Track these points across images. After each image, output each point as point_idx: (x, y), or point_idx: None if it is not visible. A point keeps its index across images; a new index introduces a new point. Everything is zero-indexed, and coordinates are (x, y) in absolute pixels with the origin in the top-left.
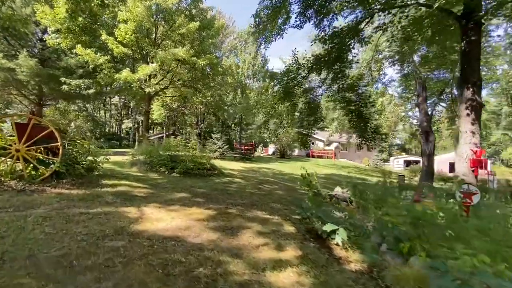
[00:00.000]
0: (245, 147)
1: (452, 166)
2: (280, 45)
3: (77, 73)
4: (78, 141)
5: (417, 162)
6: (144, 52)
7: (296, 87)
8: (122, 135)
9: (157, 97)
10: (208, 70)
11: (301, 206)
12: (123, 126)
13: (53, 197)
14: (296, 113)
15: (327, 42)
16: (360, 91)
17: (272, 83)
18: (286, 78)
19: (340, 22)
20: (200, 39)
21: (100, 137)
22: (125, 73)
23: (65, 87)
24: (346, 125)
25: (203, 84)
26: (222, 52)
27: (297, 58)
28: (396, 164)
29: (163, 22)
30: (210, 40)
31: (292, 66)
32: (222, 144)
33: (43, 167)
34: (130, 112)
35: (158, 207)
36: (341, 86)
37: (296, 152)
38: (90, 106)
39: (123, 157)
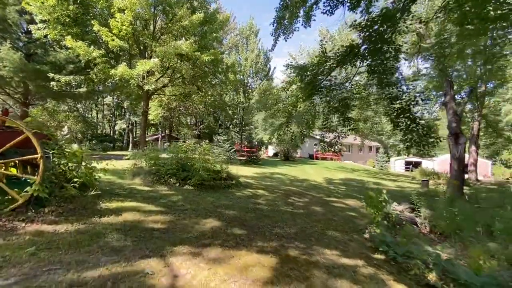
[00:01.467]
0: (248, 149)
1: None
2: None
3: (67, 69)
4: (68, 150)
5: (417, 163)
6: (142, 46)
7: (323, 81)
8: (115, 136)
9: (155, 95)
10: (210, 67)
11: (382, 240)
12: (117, 127)
13: (25, 245)
14: (322, 112)
15: (367, 28)
16: (405, 86)
17: (297, 77)
18: (310, 71)
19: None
20: (203, 33)
21: (92, 139)
22: (122, 68)
23: (53, 84)
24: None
25: (204, 82)
26: (223, 49)
27: (325, 48)
28: (398, 165)
29: (162, 16)
30: (214, 35)
31: (320, 57)
32: (228, 147)
33: (14, 191)
34: (123, 113)
35: (191, 255)
36: (383, 80)
37: (299, 153)
38: (81, 106)
39: (120, 163)
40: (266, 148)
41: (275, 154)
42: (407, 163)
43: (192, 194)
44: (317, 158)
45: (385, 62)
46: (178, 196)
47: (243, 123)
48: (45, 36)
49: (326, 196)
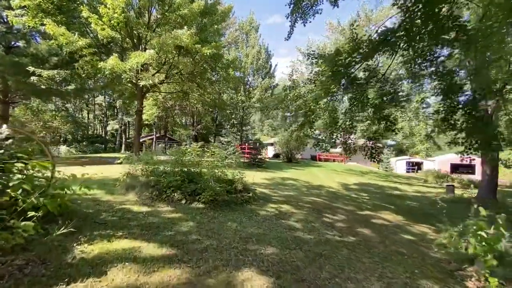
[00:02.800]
0: (250, 151)
1: (454, 167)
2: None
3: (50, 62)
4: (23, 163)
5: (419, 164)
6: (136, 39)
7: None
8: (107, 137)
9: (151, 93)
10: (211, 62)
11: None
12: (109, 128)
13: None
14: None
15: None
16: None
17: (327, 67)
18: (342, 60)
19: None
20: (202, 26)
21: (82, 140)
22: (112, 60)
23: (34, 78)
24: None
25: (203, 79)
26: (223, 44)
27: (356, 34)
28: (400, 166)
29: (157, 7)
30: (215, 26)
31: (351, 43)
32: (233, 149)
33: None
34: (116, 113)
35: None
36: (437, 71)
37: (300, 155)
38: (71, 106)
39: (112, 169)
40: (265, 149)
41: (276, 156)
42: (409, 164)
43: (206, 217)
44: (320, 160)
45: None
46: (188, 222)
47: (242, 123)
48: (24, 24)
49: (358, 209)
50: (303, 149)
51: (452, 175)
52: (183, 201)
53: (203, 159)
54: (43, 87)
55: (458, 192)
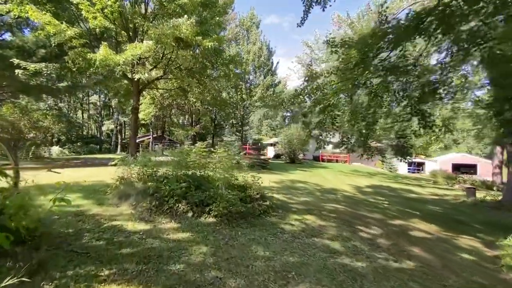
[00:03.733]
0: (251, 151)
1: (455, 167)
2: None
3: (38, 54)
4: None
5: (420, 164)
6: (132, 31)
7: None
8: (102, 138)
9: (148, 89)
10: (211, 57)
11: None
12: (104, 128)
13: None
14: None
15: None
16: None
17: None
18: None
19: None
20: (203, 19)
21: (77, 141)
22: (104, 51)
23: (19, 72)
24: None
25: (203, 75)
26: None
27: (386, 16)
28: (401, 166)
29: None
30: (217, 18)
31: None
32: (238, 150)
33: None
34: (111, 112)
35: None
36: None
37: (301, 155)
38: (64, 106)
39: (105, 172)
40: (265, 149)
41: (276, 156)
42: (411, 164)
43: (222, 237)
44: (323, 160)
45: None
46: (200, 245)
47: (242, 123)
48: (7, 13)
49: (386, 217)
50: (306, 150)
51: (463, 176)
52: (190, 214)
53: (210, 161)
54: (32, 83)
55: (478, 194)
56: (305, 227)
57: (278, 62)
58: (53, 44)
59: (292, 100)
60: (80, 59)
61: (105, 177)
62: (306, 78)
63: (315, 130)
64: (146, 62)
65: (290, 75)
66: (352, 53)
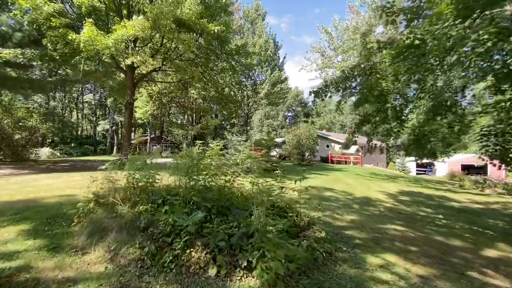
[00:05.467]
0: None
1: (465, 168)
2: None
3: (14, 39)
4: None
5: (429, 165)
6: (124, 8)
7: None
8: (98, 138)
9: (144, 82)
10: (216, 46)
11: None
12: (99, 128)
13: None
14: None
15: None
16: None
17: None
18: None
19: None
20: (207, 3)
21: (70, 142)
22: (88, 30)
23: None
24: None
25: (207, 66)
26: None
27: None
28: (410, 168)
29: None
30: (223, 1)
31: None
32: (247, 151)
33: None
34: (107, 112)
35: None
36: None
37: (311, 157)
38: (57, 104)
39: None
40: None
41: (281, 157)
42: (419, 165)
43: None
44: (332, 162)
45: None
46: None
47: (247, 122)
48: None
49: (469, 243)
50: (316, 150)
51: (493, 179)
52: (212, 270)
53: (228, 169)
54: (14, 74)
55: None
56: (406, 286)
57: (285, 57)
58: (25, 23)
59: (339, 84)
60: (63, 42)
61: (86, 187)
62: (358, 55)
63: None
64: (142, 53)
65: (306, 65)
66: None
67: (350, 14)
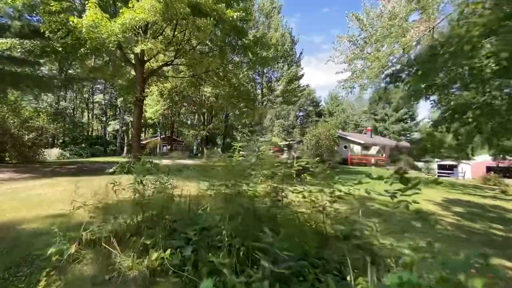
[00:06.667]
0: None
1: (489, 171)
2: None
3: (12, 28)
4: None
5: (453, 167)
6: None
7: None
8: (108, 139)
9: (155, 78)
10: (232, 37)
11: None
12: (109, 129)
13: None
14: None
15: None
16: None
17: None
18: None
19: None
20: None
21: (81, 142)
22: (91, 11)
23: None
24: None
25: (224, 59)
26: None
27: None
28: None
29: None
30: None
31: None
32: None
33: None
34: (117, 112)
35: None
36: None
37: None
38: (69, 105)
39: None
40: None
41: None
42: (441, 167)
43: None
44: (352, 164)
45: None
46: None
47: (261, 121)
48: None
49: None
50: (336, 151)
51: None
52: None
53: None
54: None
55: None
56: None
57: (301, 53)
58: (19, 5)
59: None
60: (61, 27)
61: (85, 200)
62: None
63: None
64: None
65: (334, 56)
66: None
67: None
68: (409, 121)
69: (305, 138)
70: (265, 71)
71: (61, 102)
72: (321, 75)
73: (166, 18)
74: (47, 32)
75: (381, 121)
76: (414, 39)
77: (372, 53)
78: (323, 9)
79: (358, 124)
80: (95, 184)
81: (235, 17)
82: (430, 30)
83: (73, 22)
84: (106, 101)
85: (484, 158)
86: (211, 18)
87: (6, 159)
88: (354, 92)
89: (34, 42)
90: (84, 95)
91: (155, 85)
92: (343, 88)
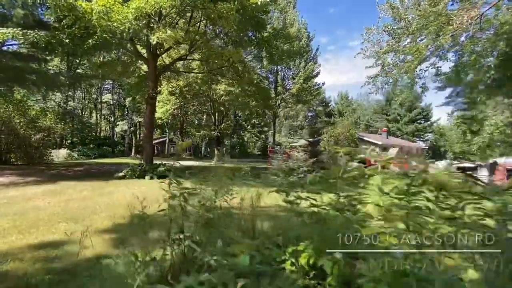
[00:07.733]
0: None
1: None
2: None
3: (14, 17)
4: None
5: (472, 169)
6: None
7: None
8: (116, 139)
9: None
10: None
11: None
12: (117, 129)
13: None
14: None
15: None
16: None
17: None
18: None
19: None
20: None
21: (89, 143)
22: None
23: None
24: None
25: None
26: None
27: None
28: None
29: None
30: None
31: None
32: (303, 156)
33: None
34: (126, 112)
35: None
36: None
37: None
38: (78, 105)
39: (95, 201)
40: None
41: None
42: (459, 169)
43: None
44: (370, 166)
45: None
46: None
47: (274, 121)
48: None
49: None
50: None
51: None
52: None
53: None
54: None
55: None
56: None
57: (317, 49)
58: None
59: None
60: (67, 13)
61: (87, 220)
62: None
63: None
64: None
65: (367, 48)
66: None
67: None
68: (422, 121)
69: (323, 138)
70: (278, 68)
71: (69, 102)
72: (327, 76)
73: (184, 3)
74: (52, 18)
75: (393, 121)
76: (460, 27)
77: (409, 45)
78: (329, 10)
79: (370, 125)
80: (107, 194)
81: (259, 3)
82: (477, 18)
83: (81, 6)
84: (114, 101)
85: (504, 161)
86: (235, 2)
87: (12, 160)
88: (386, 88)
89: (39, 32)
90: (93, 95)
91: (167, 83)
92: (373, 84)
